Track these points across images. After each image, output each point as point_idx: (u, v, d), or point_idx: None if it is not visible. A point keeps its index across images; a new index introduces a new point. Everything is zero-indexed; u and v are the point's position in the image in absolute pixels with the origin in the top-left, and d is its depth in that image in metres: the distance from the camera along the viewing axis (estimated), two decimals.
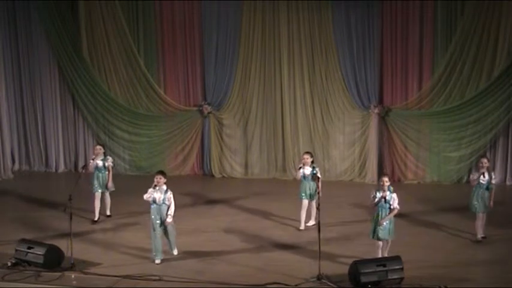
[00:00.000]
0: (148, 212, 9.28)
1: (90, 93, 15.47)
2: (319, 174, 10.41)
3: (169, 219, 9.19)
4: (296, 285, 8.22)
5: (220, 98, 15.03)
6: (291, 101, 14.58)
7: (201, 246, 9.91)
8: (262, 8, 14.37)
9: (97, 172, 11.31)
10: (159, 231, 9.19)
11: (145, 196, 9.24)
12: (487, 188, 9.84)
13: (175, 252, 9.50)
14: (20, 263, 9.02)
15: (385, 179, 8.73)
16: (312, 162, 10.75)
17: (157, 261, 9.18)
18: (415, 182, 14.15)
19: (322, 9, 14.06)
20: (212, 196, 13.21)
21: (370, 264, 8.20)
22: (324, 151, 14.57)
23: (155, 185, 9.18)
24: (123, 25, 14.95)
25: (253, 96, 14.79)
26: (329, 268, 8.65)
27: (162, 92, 15.21)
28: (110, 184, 11.35)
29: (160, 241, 9.22)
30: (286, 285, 8.24)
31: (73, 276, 8.69)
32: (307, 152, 10.97)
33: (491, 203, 9.85)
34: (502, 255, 9.35)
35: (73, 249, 8.94)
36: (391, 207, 8.71)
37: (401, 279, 8.21)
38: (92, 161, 11.43)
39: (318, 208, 8.82)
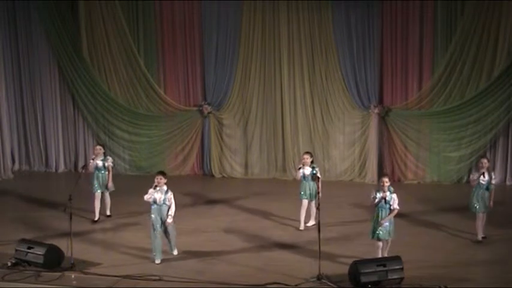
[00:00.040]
0: (149, 212, 9.28)
1: (90, 93, 15.47)
2: (319, 174, 10.40)
3: (169, 220, 9.18)
4: (296, 285, 8.22)
5: (220, 98, 15.03)
6: (291, 101, 14.57)
7: (201, 246, 9.91)
8: (262, 8, 14.37)
9: (97, 172, 11.32)
10: (159, 231, 9.19)
11: (146, 197, 9.23)
12: (487, 188, 9.84)
13: (175, 252, 9.50)
14: (20, 263, 9.02)
15: (385, 179, 8.73)
16: (312, 162, 10.74)
17: (157, 261, 9.18)
18: (415, 182, 14.15)
19: (322, 9, 14.06)
20: (212, 196, 13.20)
21: (370, 264, 8.20)
22: (324, 151, 14.57)
23: (156, 186, 9.18)
24: (123, 25, 14.95)
25: (253, 96, 14.78)
26: (329, 268, 8.65)
27: (162, 92, 15.20)
28: (110, 184, 11.36)
29: (160, 241, 9.22)
30: (286, 285, 8.24)
31: (73, 276, 8.69)
32: (307, 152, 10.97)
33: (491, 203, 9.85)
34: (502, 255, 9.35)
35: (73, 249, 8.94)
36: (391, 207, 8.72)
37: (401, 279, 8.21)
38: (91, 161, 11.43)
39: (318, 208, 8.82)
